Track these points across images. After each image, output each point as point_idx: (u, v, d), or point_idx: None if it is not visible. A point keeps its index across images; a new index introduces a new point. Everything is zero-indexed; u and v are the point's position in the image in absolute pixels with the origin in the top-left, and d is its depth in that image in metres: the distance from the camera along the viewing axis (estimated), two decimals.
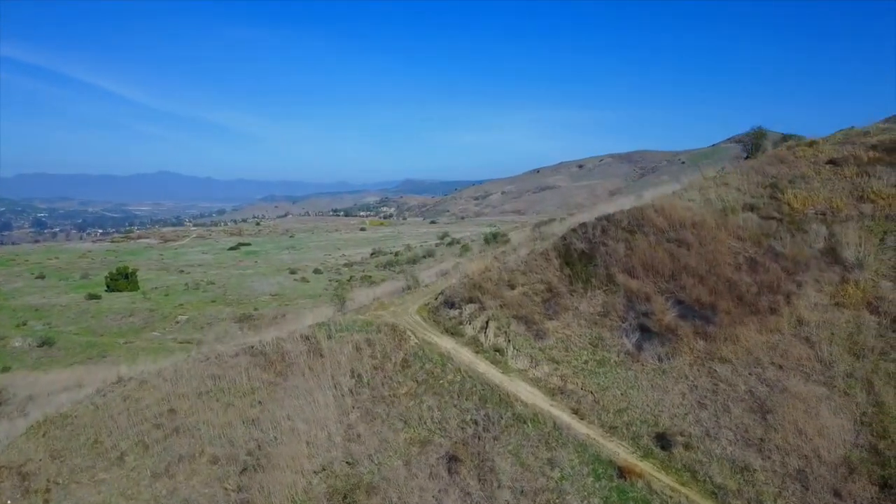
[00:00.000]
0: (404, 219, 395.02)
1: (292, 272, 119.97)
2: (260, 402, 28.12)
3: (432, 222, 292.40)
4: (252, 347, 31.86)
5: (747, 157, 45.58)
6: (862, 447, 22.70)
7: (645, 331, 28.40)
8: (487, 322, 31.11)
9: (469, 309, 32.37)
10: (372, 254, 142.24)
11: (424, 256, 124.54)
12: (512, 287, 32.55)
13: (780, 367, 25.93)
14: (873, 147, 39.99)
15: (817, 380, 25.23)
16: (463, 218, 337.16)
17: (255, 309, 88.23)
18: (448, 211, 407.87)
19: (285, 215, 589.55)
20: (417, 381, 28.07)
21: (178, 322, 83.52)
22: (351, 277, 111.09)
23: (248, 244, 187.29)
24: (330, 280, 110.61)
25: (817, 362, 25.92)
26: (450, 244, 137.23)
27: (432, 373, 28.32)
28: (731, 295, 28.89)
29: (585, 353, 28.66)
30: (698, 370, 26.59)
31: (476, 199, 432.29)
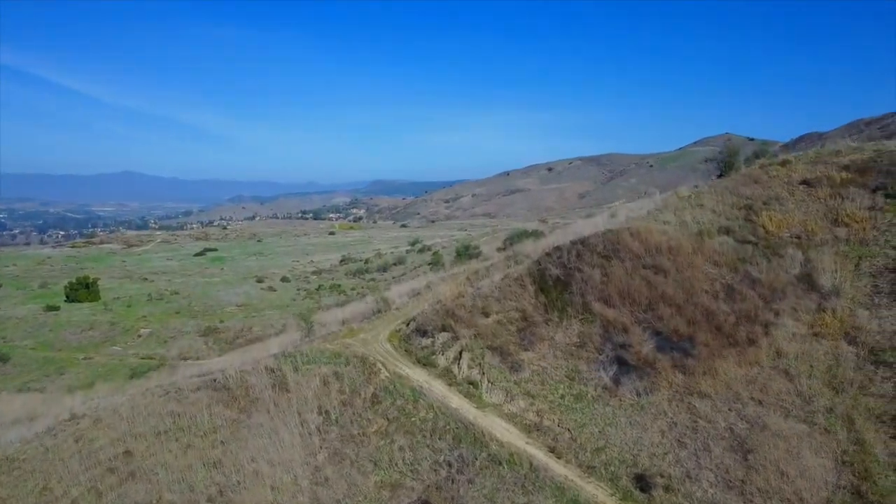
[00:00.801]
0: (374, 222, 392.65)
1: (259, 280, 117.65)
2: (222, 442, 26.68)
3: (403, 226, 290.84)
4: (214, 381, 30.39)
5: (720, 176, 45.33)
6: (844, 489, 22.18)
7: (622, 364, 27.65)
8: (461, 353, 30.11)
9: (442, 338, 31.32)
10: (341, 261, 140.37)
11: (395, 264, 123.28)
12: (486, 315, 31.58)
13: (760, 402, 25.37)
14: (846, 167, 39.94)
15: (797, 416, 24.71)
16: (433, 221, 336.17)
17: (221, 321, 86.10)
18: (419, 213, 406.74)
19: (253, 217, 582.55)
20: (388, 419, 26.93)
21: (140, 336, 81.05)
22: (320, 286, 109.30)
23: (215, 249, 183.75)
24: (298, 289, 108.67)
25: (797, 397, 25.43)
26: (421, 251, 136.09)
27: (404, 409, 27.20)
28: (709, 325, 28.32)
29: (562, 386, 27.81)
30: (677, 406, 25.91)
31: (447, 201, 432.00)
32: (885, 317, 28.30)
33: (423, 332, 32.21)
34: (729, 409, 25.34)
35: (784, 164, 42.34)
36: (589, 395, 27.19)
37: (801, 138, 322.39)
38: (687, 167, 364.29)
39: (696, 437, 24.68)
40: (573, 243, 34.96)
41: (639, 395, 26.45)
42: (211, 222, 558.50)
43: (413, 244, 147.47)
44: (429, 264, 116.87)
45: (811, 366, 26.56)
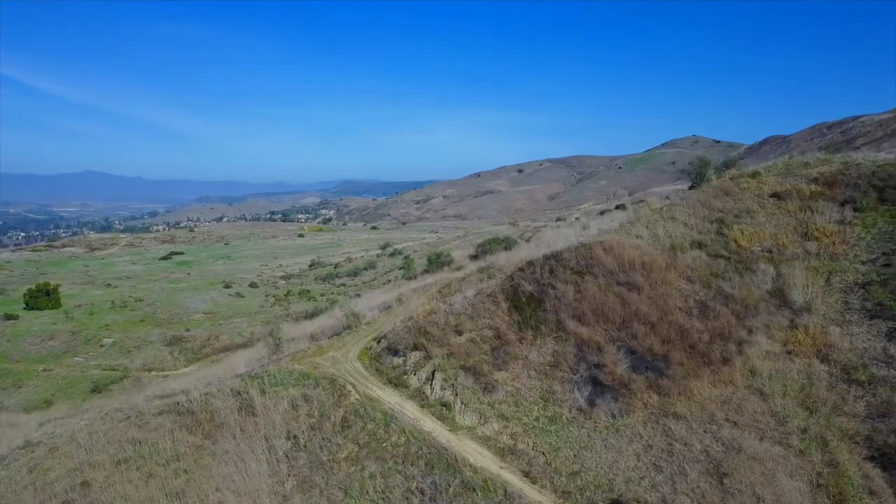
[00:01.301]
0: (344, 224, 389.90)
1: (227, 286, 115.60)
2: (185, 471, 25.63)
3: (373, 228, 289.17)
4: (178, 404, 29.28)
5: (692, 187, 45.38)
6: None
7: (597, 384, 27.27)
8: (434, 373, 29.45)
9: (414, 357, 30.64)
10: (311, 265, 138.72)
11: (365, 268, 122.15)
12: (459, 333, 30.99)
13: (735, 423, 25.16)
14: (815, 180, 40.23)
15: (772, 437, 24.55)
16: (404, 223, 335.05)
17: (187, 329, 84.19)
18: (389, 215, 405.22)
19: (221, 218, 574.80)
20: (359, 444, 26.14)
21: (102, 346, 78.78)
22: (288, 292, 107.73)
23: (181, 253, 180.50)
24: (266, 295, 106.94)
25: (771, 418, 25.29)
26: (392, 255, 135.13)
27: (375, 434, 26.44)
28: (683, 344, 28.09)
29: (536, 408, 27.33)
30: (652, 428, 25.58)
31: (417, 203, 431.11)
32: (857, 334, 28.37)
33: (394, 351, 31.48)
34: (704, 431, 25.09)
35: (754, 175, 42.53)
36: (564, 417, 26.74)
37: (765, 141, 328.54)
38: (655, 169, 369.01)
39: (672, 460, 24.36)
40: (546, 258, 34.55)
41: (614, 416, 26.08)
42: (178, 223, 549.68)
43: (384, 248, 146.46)
44: (400, 269, 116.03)
45: (785, 385, 26.46)
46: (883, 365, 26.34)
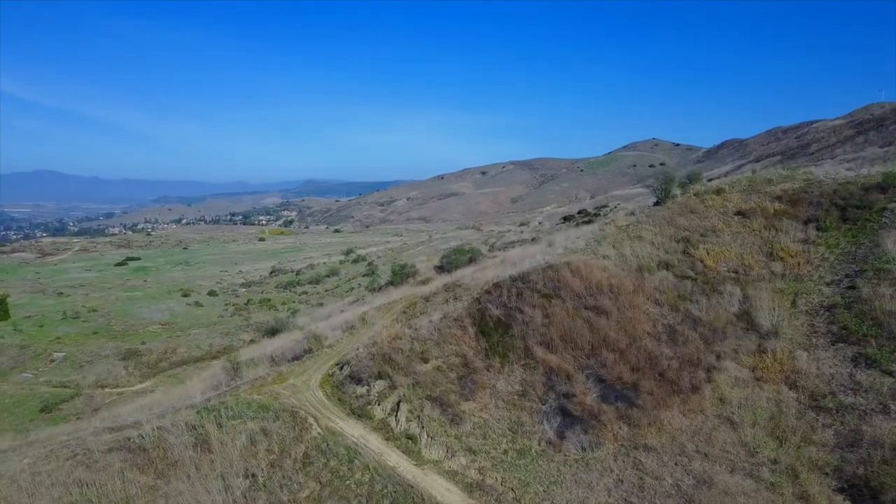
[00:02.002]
0: (306, 226, 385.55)
1: (185, 294, 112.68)
2: None
3: (336, 231, 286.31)
4: (128, 440, 27.74)
5: (657, 203, 45.29)
6: None
7: (567, 415, 26.64)
8: (399, 403, 28.47)
9: (378, 386, 29.62)
10: (272, 272, 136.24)
11: (328, 275, 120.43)
12: (425, 360, 30.08)
13: (706, 455, 24.77)
14: (778, 198, 40.40)
15: (743, 469, 24.22)
16: (368, 226, 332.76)
17: (143, 342, 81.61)
18: (353, 217, 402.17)
19: (180, 220, 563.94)
20: (321, 482, 25.03)
21: (53, 361, 75.81)
22: (249, 301, 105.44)
23: (138, 258, 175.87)
24: (226, 304, 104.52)
25: (741, 448, 24.98)
26: (355, 261, 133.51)
27: (338, 471, 25.36)
28: (652, 372, 27.67)
29: (505, 440, 26.57)
30: (623, 461, 25.04)
31: (381, 205, 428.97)
32: (823, 359, 28.33)
33: (357, 380, 30.42)
34: (675, 464, 24.65)
35: (719, 192, 42.60)
36: (533, 451, 26.04)
37: (723, 144, 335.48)
38: (616, 172, 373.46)
39: (644, 495, 23.84)
40: (513, 280, 33.89)
41: (584, 449, 25.48)
42: (134, 225, 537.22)
43: (347, 254, 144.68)
44: (363, 276, 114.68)
45: (754, 413, 26.21)
46: (850, 392, 26.28)
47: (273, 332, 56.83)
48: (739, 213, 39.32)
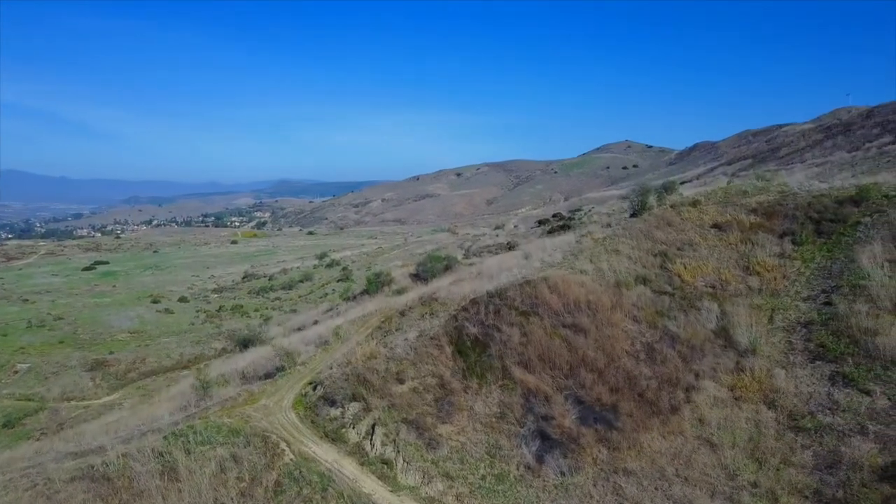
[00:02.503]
0: (280, 228, 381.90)
1: (155, 301, 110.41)
2: None
3: (310, 233, 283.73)
4: (92, 468, 26.63)
5: (633, 215, 45.13)
6: None
7: (545, 438, 26.17)
8: (374, 426, 27.76)
9: (353, 408, 28.87)
10: (244, 277, 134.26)
11: (301, 280, 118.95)
12: (401, 381, 29.40)
13: (686, 479, 24.45)
14: (754, 210, 40.43)
15: (723, 493, 23.93)
16: (342, 228, 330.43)
17: (111, 351, 79.63)
18: (326, 219, 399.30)
19: (150, 221, 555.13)
20: None
21: (17, 372, 73.53)
22: (221, 307, 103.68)
23: (106, 262, 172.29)
24: (197, 311, 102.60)
25: (721, 471, 24.71)
26: (329, 266, 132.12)
27: (311, 500, 24.56)
28: (631, 392, 27.32)
29: (483, 465, 26.00)
30: (602, 487, 24.62)
31: (356, 206, 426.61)
32: (801, 377, 28.23)
33: (331, 402, 29.63)
34: (655, 489, 24.28)
35: (695, 204, 42.55)
36: (511, 476, 25.51)
37: (695, 147, 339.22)
38: (590, 174, 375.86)
39: None
40: (490, 296, 33.37)
41: (563, 474, 25.02)
42: (104, 226, 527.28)
43: (321, 258, 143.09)
44: (337, 281, 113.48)
45: (734, 435, 25.98)
46: (828, 412, 26.16)
47: (245, 343, 55.60)
48: (716, 225, 39.29)
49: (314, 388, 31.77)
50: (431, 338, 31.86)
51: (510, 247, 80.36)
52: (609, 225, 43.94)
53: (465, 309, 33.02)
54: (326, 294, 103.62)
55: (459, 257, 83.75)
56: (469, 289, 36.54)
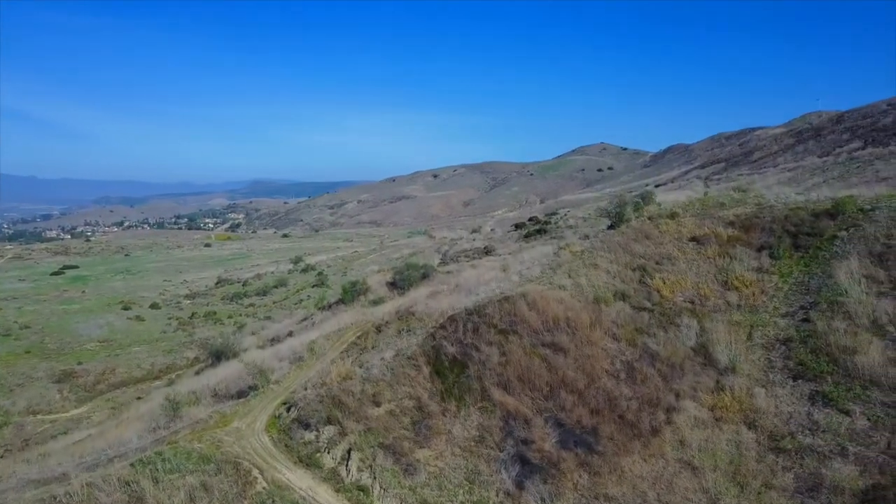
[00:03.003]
0: (254, 231, 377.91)
1: (126, 307, 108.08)
2: None
3: (285, 236, 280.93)
4: (55, 499, 25.55)
5: (611, 227, 44.85)
6: None
7: (525, 463, 25.65)
8: (350, 451, 27.02)
9: (327, 432, 28.09)
10: (218, 282, 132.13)
11: (276, 286, 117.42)
12: (377, 404, 28.69)
13: None
14: (731, 223, 40.36)
15: None
16: (318, 230, 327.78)
17: (79, 362, 77.62)
18: (302, 220, 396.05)
19: (122, 222, 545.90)
20: None
21: None
22: (193, 314, 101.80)
23: (76, 267, 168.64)
24: (169, 318, 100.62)
25: (703, 495, 24.39)
26: (304, 271, 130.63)
27: None
28: (612, 414, 26.92)
29: (461, 492, 25.40)
30: None
31: (331, 208, 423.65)
32: (781, 396, 28.06)
33: (305, 425, 28.81)
34: None
35: (673, 216, 42.41)
36: (490, 503, 24.94)
37: (669, 149, 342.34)
38: (565, 176, 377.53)
39: None
40: (469, 313, 32.79)
41: (543, 500, 24.51)
42: (73, 228, 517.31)
43: (295, 262, 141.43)
44: (312, 286, 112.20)
45: (715, 457, 25.69)
46: (808, 432, 26.00)
47: (218, 355, 54.36)
48: (694, 238, 39.16)
49: (288, 410, 30.91)
50: (408, 358, 31.19)
51: (487, 251, 79.86)
52: (587, 237, 43.59)
53: (442, 327, 32.40)
54: (301, 301, 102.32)
55: (436, 263, 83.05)
56: (447, 304, 35.92)
